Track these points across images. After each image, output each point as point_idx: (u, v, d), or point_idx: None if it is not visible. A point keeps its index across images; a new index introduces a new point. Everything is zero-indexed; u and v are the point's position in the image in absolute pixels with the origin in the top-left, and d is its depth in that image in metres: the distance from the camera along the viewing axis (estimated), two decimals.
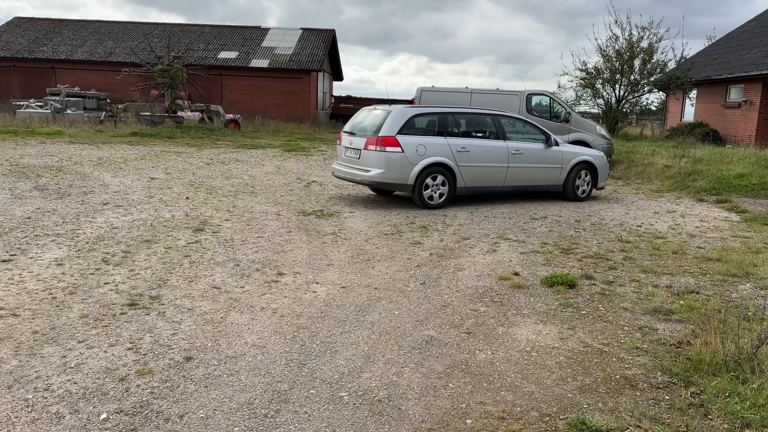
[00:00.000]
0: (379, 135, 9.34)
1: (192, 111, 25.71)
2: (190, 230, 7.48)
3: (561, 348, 4.29)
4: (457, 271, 6.13)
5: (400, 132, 9.38)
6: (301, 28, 34.63)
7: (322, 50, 32.57)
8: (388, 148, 9.28)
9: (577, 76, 23.86)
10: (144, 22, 36.47)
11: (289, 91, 31.19)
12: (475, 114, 10.62)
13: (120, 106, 24.95)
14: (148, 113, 24.00)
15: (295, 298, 5.14)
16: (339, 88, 41.36)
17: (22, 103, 26.11)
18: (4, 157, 13.35)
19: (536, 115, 16.14)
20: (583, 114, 20.11)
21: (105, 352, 3.92)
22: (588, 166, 10.90)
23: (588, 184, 10.96)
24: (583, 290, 5.61)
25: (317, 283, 5.61)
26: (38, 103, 25.73)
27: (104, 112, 24.45)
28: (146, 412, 3.21)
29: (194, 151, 16.29)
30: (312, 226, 8.06)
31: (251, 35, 33.92)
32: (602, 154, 11.44)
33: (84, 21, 35.79)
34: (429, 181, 9.47)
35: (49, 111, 23.88)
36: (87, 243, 6.64)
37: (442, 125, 9.85)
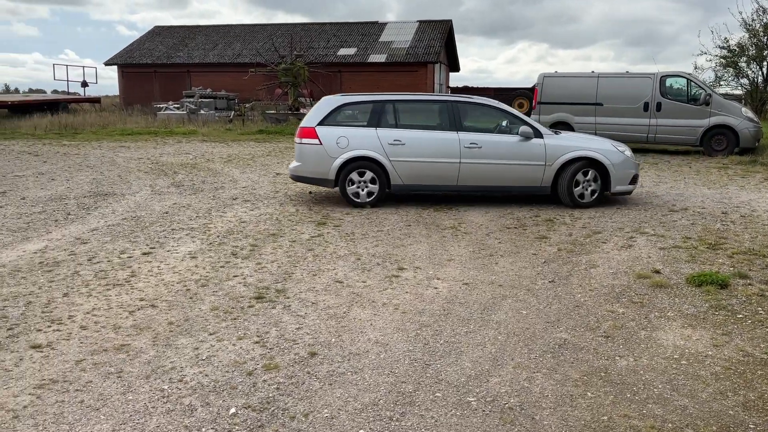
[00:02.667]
0: (299, 126, 8.86)
1: None
2: (314, 224, 7.59)
3: (716, 356, 3.81)
4: (589, 268, 5.71)
5: (323, 122, 8.63)
6: (417, 21, 34.56)
7: (439, 42, 32.31)
8: (305, 140, 8.65)
9: (716, 55, 21.90)
10: (269, 23, 38.10)
11: (406, 85, 31.24)
12: (421, 101, 9.18)
13: (247, 105, 26.22)
14: (272, 111, 25.02)
15: (417, 294, 5.00)
16: (456, 80, 40.93)
17: (161, 105, 28.19)
18: (146, 156, 14.40)
19: (671, 99, 14.95)
20: (725, 96, 18.37)
21: (234, 345, 3.99)
22: (592, 163, 8.45)
23: (594, 186, 8.52)
24: (738, 291, 5.00)
25: (438, 278, 5.44)
26: (175, 105, 27.66)
27: (233, 112, 25.81)
28: (273, 408, 3.20)
29: None
30: (431, 219, 7.90)
31: (369, 31, 34.35)
32: (619, 149, 8.68)
33: (215, 26, 38.01)
34: (355, 176, 8.54)
35: (185, 112, 25.57)
36: (218, 237, 6.92)
37: (375, 115, 8.66)
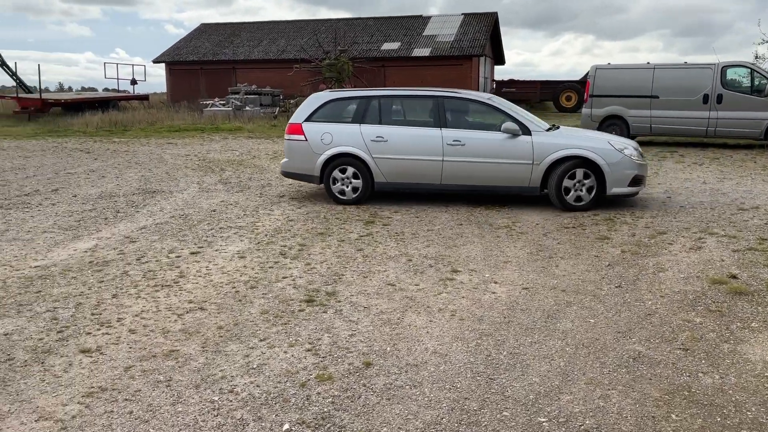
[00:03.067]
0: (289, 122, 8.79)
1: None
2: (362, 223, 7.40)
3: None
4: (657, 272, 5.34)
5: (309, 118, 8.58)
6: (462, 14, 34.04)
7: (484, 35, 31.74)
8: (292, 136, 8.63)
9: None
10: (312, 19, 38.15)
11: (450, 78, 30.79)
12: (408, 97, 8.76)
13: (291, 101, 26.27)
14: None
15: (474, 299, 4.75)
16: (500, 73, 40.22)
17: (207, 102, 28.52)
18: (193, 153, 14.48)
19: (732, 90, 14.21)
20: None
21: (285, 352, 3.82)
22: (585, 163, 7.72)
23: (589, 188, 7.77)
24: None
25: (495, 282, 5.16)
26: (221, 102, 27.93)
27: (278, 108, 25.89)
28: (328, 425, 3.00)
29: None
30: (483, 218, 7.60)
31: (413, 25, 34.01)
32: (616, 147, 7.80)
33: (260, 23, 38.25)
34: (337, 173, 8.41)
35: (230, 108, 25.79)
36: (266, 235, 6.79)
37: (360, 111, 8.47)
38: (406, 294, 4.88)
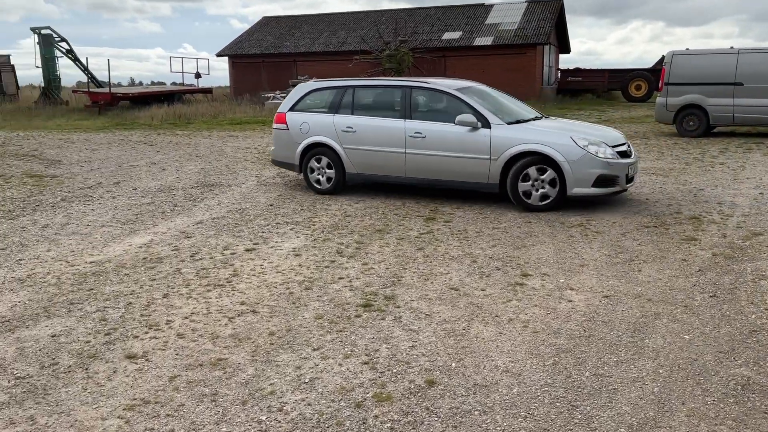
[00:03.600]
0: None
1: None
2: (422, 219, 7.01)
3: None
4: (758, 280, 4.73)
5: (293, 108, 8.73)
6: (526, 1, 32.96)
7: (549, 22, 30.63)
8: (278, 125, 8.83)
9: None
10: (373, 10, 37.83)
11: (513, 68, 29.91)
12: (379, 86, 8.59)
13: None
14: None
15: (548, 308, 4.29)
16: (565, 62, 38.83)
17: (269, 94, 28.70)
18: (253, 146, 14.44)
19: None
20: None
21: (340, 365, 3.49)
22: (545, 160, 7.05)
23: (552, 188, 7.10)
24: None
25: (571, 288, 4.68)
26: (282, 94, 28.03)
27: None
28: None
29: None
30: (554, 215, 7.08)
31: (474, 13, 33.19)
32: (579, 143, 6.98)
33: (320, 15, 38.25)
34: (314, 163, 8.48)
35: None
36: (322, 232, 6.50)
37: (336, 100, 8.45)
38: (471, 300, 4.48)
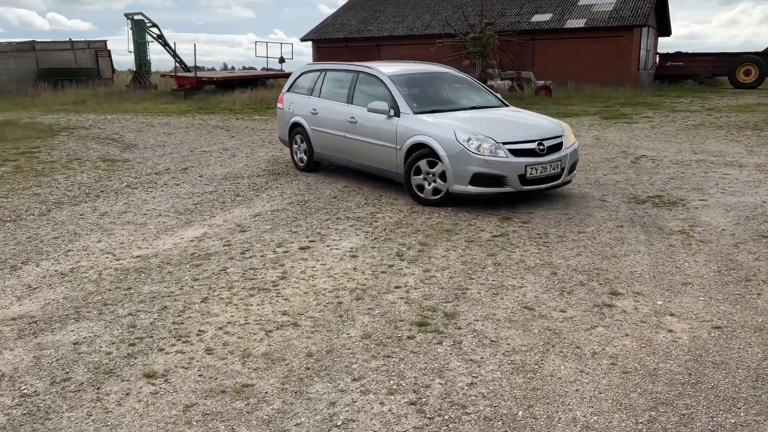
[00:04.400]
0: None
1: (502, 79, 24.83)
2: (496, 218, 6.30)
3: None
4: None
5: (289, 89, 9.33)
6: None
7: (648, 3, 28.48)
8: (279, 105, 9.47)
9: None
10: None
11: (607, 52, 28.08)
12: (340, 71, 8.56)
13: None
14: None
15: (642, 340, 3.53)
16: (663, 46, 36.19)
17: None
18: None
19: None
20: None
21: (381, 403, 2.92)
22: (435, 153, 6.62)
23: (443, 182, 6.66)
24: None
25: (672, 314, 3.88)
26: None
27: None
28: None
29: None
30: (649, 219, 6.18)
31: None
32: (464, 137, 6.42)
33: None
34: (297, 141, 9.03)
35: None
36: (384, 230, 5.94)
37: (313, 83, 8.84)
38: (547, 324, 3.78)
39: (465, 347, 3.49)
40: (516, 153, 6.43)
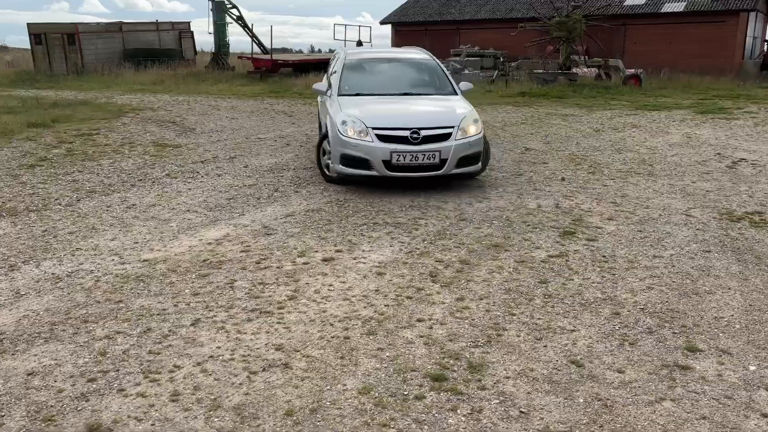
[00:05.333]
0: None
1: (588, 67, 23.22)
2: (557, 232, 5.43)
3: None
4: None
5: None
6: None
7: None
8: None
9: None
10: None
11: (707, 39, 25.73)
12: (349, 54, 8.90)
13: (513, 64, 24.02)
14: (540, 71, 22.44)
15: (725, 427, 2.65)
16: None
17: None
18: None
19: None
20: None
21: None
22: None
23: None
24: None
25: None
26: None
27: (496, 71, 23.84)
28: None
29: (583, 114, 13.98)
30: (746, 242, 5.13)
31: None
32: (341, 118, 6.86)
33: None
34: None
35: (449, 71, 24.39)
36: (423, 240, 5.21)
37: (334, 65, 9.22)
38: (597, 390, 2.96)
39: (485, 420, 2.73)
40: (384, 139, 6.59)
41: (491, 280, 4.37)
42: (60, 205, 6.31)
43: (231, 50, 30.88)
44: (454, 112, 7.04)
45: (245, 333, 3.57)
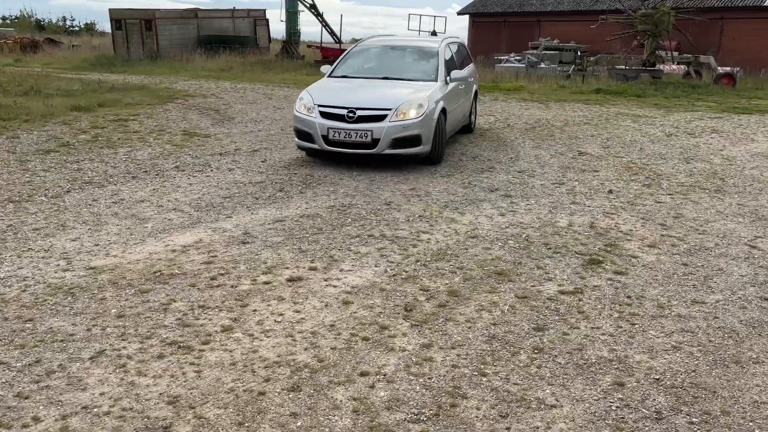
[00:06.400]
0: None
1: (678, 63, 21.27)
2: (580, 260, 4.49)
3: None
4: None
5: None
6: None
7: None
8: None
9: None
10: None
11: None
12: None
13: (591, 58, 22.41)
14: (621, 67, 20.76)
15: None
16: None
17: (502, 57, 26.24)
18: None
19: None
20: None
21: None
22: None
23: None
24: None
25: None
26: (516, 57, 25.38)
27: (573, 66, 22.32)
28: None
29: (659, 116, 12.55)
30: None
31: None
32: (300, 96, 7.82)
33: None
34: None
35: (524, 65, 23.11)
36: (416, 261, 4.42)
37: None
38: None
39: None
40: (325, 116, 7.17)
41: (476, 321, 3.54)
42: (45, 196, 5.94)
43: (306, 39, 30.75)
44: (399, 97, 7.27)
45: (145, 375, 2.94)
